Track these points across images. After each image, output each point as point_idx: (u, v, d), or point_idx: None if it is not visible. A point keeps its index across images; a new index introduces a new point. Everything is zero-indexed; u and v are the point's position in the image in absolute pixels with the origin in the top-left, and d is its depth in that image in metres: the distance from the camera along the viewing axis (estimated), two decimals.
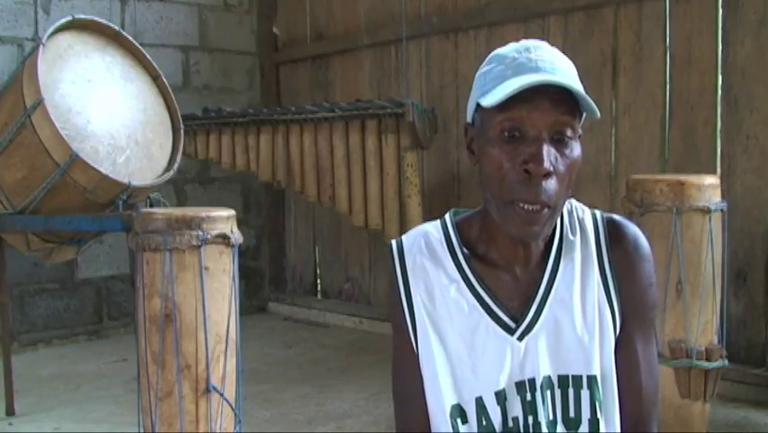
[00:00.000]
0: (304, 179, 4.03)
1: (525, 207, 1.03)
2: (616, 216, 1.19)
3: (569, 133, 1.05)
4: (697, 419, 2.40)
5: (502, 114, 1.04)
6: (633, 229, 1.17)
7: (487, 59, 1.13)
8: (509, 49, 1.09)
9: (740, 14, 3.11)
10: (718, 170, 3.17)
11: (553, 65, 1.05)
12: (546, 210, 1.04)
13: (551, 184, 1.03)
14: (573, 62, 1.11)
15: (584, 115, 1.08)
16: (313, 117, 3.92)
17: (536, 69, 1.04)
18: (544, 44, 1.10)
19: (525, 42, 1.10)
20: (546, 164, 1.02)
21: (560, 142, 1.04)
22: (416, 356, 1.16)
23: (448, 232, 1.18)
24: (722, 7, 3.16)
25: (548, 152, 1.02)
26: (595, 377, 1.11)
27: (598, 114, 1.06)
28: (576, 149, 1.06)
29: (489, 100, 1.04)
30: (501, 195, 1.05)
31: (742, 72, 3.11)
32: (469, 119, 1.14)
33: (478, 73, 1.12)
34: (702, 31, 3.22)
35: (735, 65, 3.13)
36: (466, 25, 4.08)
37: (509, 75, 1.05)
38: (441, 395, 1.13)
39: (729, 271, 2.78)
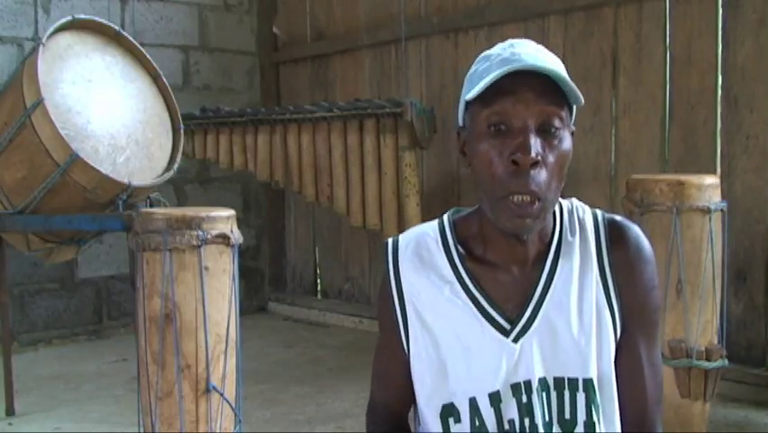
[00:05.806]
0: (302, 179, 4.03)
1: (516, 198, 1.03)
2: (617, 217, 1.17)
3: (556, 123, 1.04)
4: (697, 419, 2.40)
5: (487, 108, 1.04)
6: (635, 231, 1.16)
7: (475, 61, 1.13)
8: (495, 48, 1.10)
9: (740, 14, 3.10)
10: (718, 170, 3.17)
11: (536, 57, 1.05)
12: (537, 202, 1.03)
13: (540, 174, 1.03)
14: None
15: (574, 107, 1.08)
16: (311, 117, 3.91)
17: (519, 61, 1.04)
18: (530, 41, 1.11)
19: (510, 41, 1.11)
20: (533, 153, 1.01)
21: (547, 133, 1.04)
22: (403, 351, 1.17)
23: (444, 232, 1.18)
24: (722, 7, 3.16)
25: (535, 142, 1.02)
26: (591, 380, 1.10)
27: (582, 99, 1.06)
28: (566, 141, 1.06)
29: (472, 93, 1.04)
30: (493, 191, 1.05)
31: (742, 72, 3.11)
32: (460, 122, 1.14)
33: (467, 76, 1.13)
34: (702, 31, 3.22)
35: (735, 65, 3.13)
36: (466, 25, 4.07)
37: (493, 69, 1.04)
38: (433, 394, 1.13)
39: (729, 271, 2.77)
